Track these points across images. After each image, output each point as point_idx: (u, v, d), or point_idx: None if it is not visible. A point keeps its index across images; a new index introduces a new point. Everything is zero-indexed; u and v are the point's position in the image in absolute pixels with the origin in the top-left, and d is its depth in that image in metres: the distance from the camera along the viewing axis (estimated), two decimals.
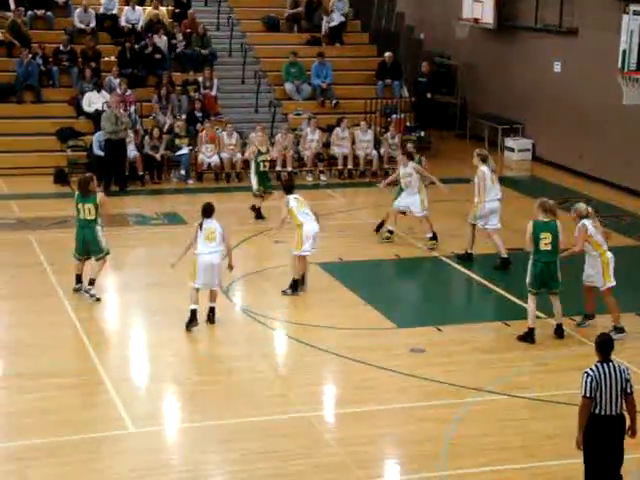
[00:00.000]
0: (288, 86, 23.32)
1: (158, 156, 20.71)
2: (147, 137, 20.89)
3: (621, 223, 18.20)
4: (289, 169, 20.81)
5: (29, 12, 23.47)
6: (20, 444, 10.03)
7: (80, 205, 13.85)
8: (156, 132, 20.85)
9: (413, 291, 14.93)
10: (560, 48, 22.62)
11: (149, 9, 24.13)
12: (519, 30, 24.00)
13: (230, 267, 13.14)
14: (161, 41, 23.10)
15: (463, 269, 15.71)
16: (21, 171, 20.58)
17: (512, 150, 23.89)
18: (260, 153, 17.93)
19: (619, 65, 18.30)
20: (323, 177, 21.49)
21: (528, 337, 12.77)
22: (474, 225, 15.87)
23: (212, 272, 12.86)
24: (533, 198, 19.87)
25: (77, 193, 14.08)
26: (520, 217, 18.59)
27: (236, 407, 10.99)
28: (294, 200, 14.26)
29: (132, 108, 21.50)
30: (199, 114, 21.82)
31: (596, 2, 21.18)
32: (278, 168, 20.54)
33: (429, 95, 24.47)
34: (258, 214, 17.98)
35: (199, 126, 21.45)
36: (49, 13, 23.74)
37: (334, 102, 23.30)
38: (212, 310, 13.10)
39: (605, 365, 8.58)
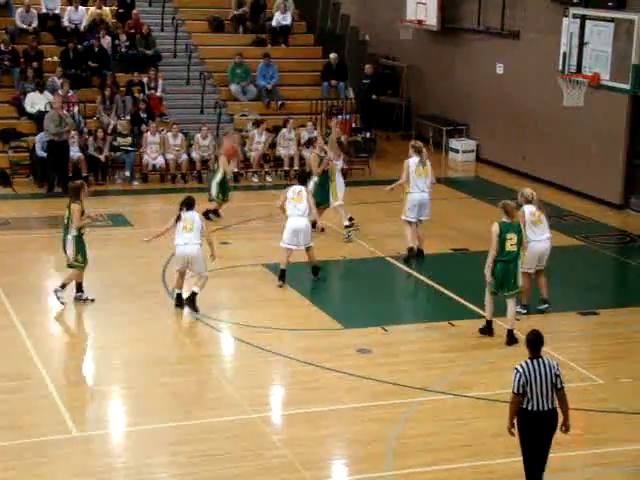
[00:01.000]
0: (234, 87, 23.25)
1: (102, 157, 20.54)
2: (91, 138, 20.70)
3: (563, 223, 18.44)
4: (235, 170, 20.73)
5: None
6: None
7: (65, 210, 13.82)
8: (100, 133, 20.68)
9: (359, 292, 14.97)
10: (502, 50, 22.85)
11: (92, 9, 23.88)
12: (462, 32, 24.20)
13: (212, 257, 13.59)
14: (105, 41, 22.89)
15: (408, 269, 15.79)
16: None
17: (456, 151, 24.05)
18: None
19: (559, 67, 18.53)
20: (269, 178, 21.49)
21: (487, 330, 12.96)
22: (409, 222, 15.88)
23: (188, 262, 13.46)
24: (477, 199, 20.35)
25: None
26: (464, 217, 18.82)
27: (183, 410, 10.94)
28: (292, 191, 14.83)
29: (75, 109, 21.29)
30: (144, 115, 21.69)
31: (537, 5, 21.45)
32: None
33: (374, 96, 24.62)
34: (215, 213, 17.93)
35: (144, 127, 21.32)
36: None
37: (280, 103, 23.29)
38: (192, 295, 13.58)
39: (535, 361, 8.75)
